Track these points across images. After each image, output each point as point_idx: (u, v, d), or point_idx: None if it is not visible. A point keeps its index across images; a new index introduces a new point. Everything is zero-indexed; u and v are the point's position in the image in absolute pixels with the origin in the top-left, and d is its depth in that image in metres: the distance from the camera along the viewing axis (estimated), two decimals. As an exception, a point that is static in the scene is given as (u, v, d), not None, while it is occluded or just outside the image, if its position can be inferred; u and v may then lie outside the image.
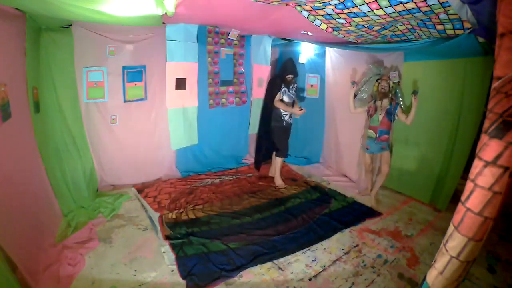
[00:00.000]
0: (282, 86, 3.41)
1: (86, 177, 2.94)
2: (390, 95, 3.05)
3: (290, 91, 3.46)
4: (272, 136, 3.58)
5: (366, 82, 3.29)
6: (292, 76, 3.43)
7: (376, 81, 3.12)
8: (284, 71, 3.42)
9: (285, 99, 3.44)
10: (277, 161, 3.56)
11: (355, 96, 3.27)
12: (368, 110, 3.18)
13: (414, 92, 2.85)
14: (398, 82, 3.14)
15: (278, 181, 3.56)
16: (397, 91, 3.15)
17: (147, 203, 2.92)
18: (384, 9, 1.89)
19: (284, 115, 3.46)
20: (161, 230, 2.48)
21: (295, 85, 3.54)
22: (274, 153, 3.62)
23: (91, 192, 2.96)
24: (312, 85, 4.22)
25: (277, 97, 3.43)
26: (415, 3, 1.74)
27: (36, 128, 2.24)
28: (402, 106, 3.11)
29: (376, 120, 3.08)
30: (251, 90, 4.04)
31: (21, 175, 1.88)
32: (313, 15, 2.35)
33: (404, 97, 3.16)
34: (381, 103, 3.06)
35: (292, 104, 3.47)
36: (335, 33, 2.71)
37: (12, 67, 1.90)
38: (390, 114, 3.02)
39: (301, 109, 3.38)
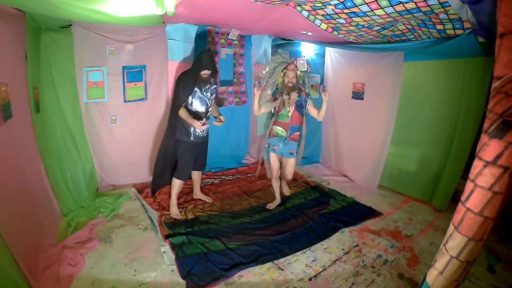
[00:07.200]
0: (194, 86, 2.53)
1: (86, 177, 2.95)
2: (298, 86, 2.69)
3: (204, 93, 2.58)
4: (175, 152, 2.71)
5: (272, 73, 2.70)
6: (210, 72, 2.53)
7: (282, 71, 2.67)
8: (199, 66, 2.48)
9: (196, 104, 2.57)
10: (173, 183, 2.71)
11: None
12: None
13: (323, 88, 2.56)
14: (306, 70, 2.71)
15: (173, 210, 2.71)
16: (305, 80, 2.75)
17: (147, 203, 2.93)
18: (384, 9, 1.89)
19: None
20: (161, 230, 2.48)
21: (214, 85, 2.68)
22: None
23: (91, 192, 2.97)
24: (312, 85, 4.22)
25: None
26: (415, 3, 1.74)
27: (37, 128, 2.24)
28: (311, 98, 2.78)
29: (285, 115, 2.65)
30: (251, 90, 4.04)
31: (21, 175, 1.88)
32: (313, 15, 2.35)
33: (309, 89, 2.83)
34: (289, 97, 2.67)
35: (206, 112, 2.62)
36: (335, 33, 2.71)
37: (12, 67, 1.90)
38: (300, 107, 2.66)
39: (204, 124, 2.46)
